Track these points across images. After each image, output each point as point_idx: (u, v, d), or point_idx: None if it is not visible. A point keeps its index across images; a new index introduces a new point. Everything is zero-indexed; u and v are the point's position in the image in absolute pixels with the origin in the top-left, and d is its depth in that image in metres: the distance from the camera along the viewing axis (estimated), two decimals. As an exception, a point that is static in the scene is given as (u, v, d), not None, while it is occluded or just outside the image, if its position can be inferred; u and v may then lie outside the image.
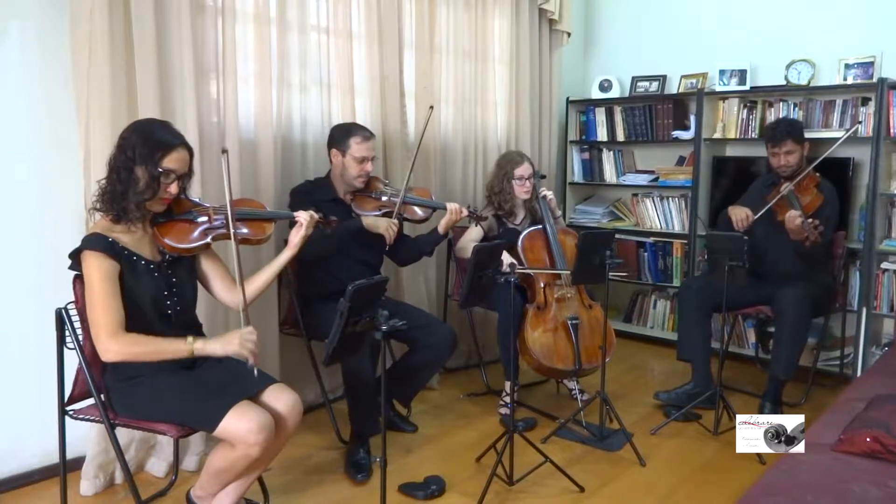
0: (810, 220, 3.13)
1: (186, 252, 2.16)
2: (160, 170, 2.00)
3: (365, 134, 2.94)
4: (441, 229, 3.08)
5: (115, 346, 1.93)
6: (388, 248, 3.08)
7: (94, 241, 1.98)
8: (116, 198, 2.01)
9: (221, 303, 2.33)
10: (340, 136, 2.95)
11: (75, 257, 2.02)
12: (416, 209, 3.05)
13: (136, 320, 2.01)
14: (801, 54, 4.02)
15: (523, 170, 3.43)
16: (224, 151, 2.17)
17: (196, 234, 2.16)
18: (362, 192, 3.01)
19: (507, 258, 3.14)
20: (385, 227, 2.92)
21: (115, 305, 1.96)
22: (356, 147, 2.90)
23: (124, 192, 2.00)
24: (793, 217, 3.15)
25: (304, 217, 2.38)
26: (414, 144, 3.67)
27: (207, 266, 2.26)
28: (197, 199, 2.25)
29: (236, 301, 2.22)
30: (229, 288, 2.27)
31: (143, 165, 1.99)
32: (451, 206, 3.04)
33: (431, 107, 3.24)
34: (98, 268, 1.96)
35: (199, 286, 2.28)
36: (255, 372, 2.08)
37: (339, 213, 2.88)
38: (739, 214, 3.35)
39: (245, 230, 2.27)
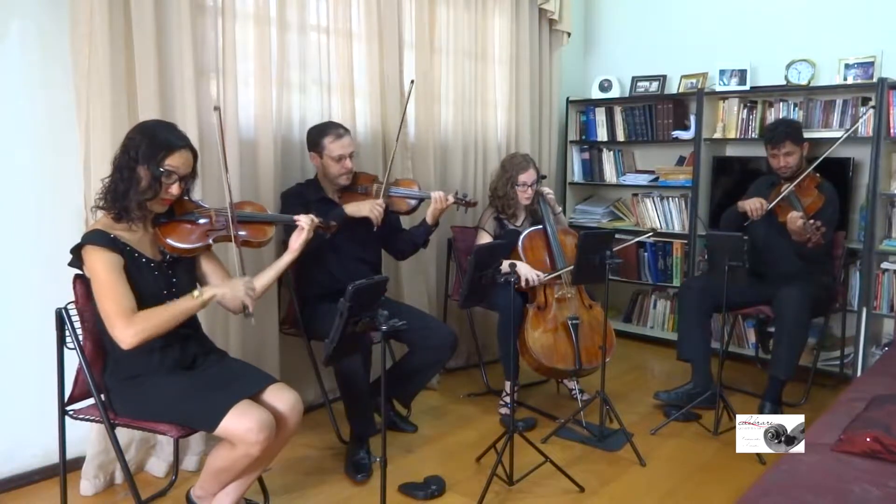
0: (812, 221, 3.12)
1: (187, 253, 2.17)
2: (162, 170, 2.01)
3: (337, 132, 2.91)
4: (429, 219, 3.07)
5: (132, 328, 1.93)
6: (383, 239, 3.07)
7: (95, 237, 1.99)
8: (118, 196, 2.02)
9: (221, 305, 2.32)
10: (314, 137, 2.94)
11: (76, 253, 2.03)
12: (402, 202, 3.05)
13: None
14: (801, 54, 4.02)
15: (527, 176, 3.41)
16: (216, 109, 2.18)
17: (197, 235, 2.18)
18: (349, 189, 3.01)
19: (526, 270, 3.18)
20: (368, 208, 2.88)
21: (124, 292, 1.97)
22: (330, 146, 2.89)
23: (126, 191, 2.01)
24: (795, 218, 3.15)
25: (305, 221, 2.40)
26: (414, 144, 3.68)
27: (207, 268, 2.27)
28: (199, 201, 2.26)
29: (234, 304, 2.22)
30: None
31: (145, 165, 2.00)
32: (436, 194, 3.04)
33: (412, 81, 3.19)
34: (102, 260, 1.97)
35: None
36: (253, 321, 2.15)
37: (328, 213, 2.88)
38: (754, 204, 3.32)
39: (246, 232, 2.28)
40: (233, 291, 2.11)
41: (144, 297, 2.03)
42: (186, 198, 2.19)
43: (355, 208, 2.90)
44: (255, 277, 2.32)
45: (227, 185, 2.19)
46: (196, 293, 2.04)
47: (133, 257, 2.05)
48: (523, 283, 3.19)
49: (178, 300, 2.04)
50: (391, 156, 3.11)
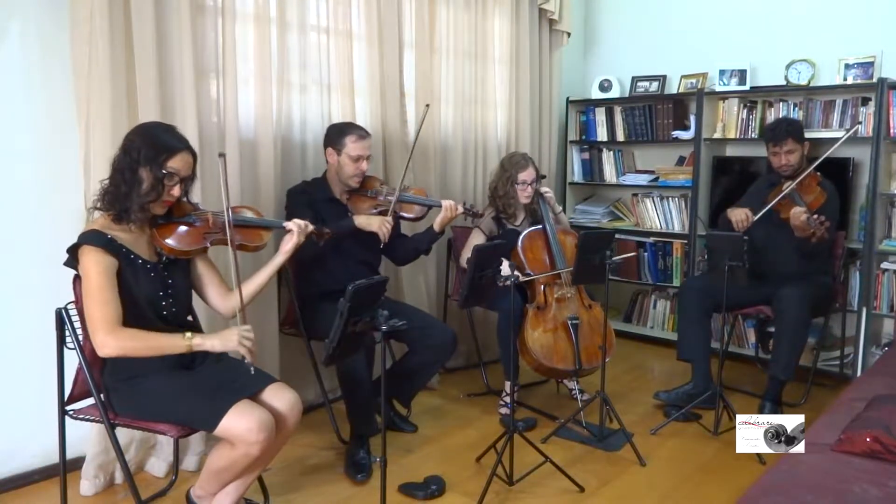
0: (815, 215, 3.12)
1: (184, 255, 2.17)
2: (164, 172, 2.02)
3: (360, 133, 2.93)
4: (437, 227, 3.07)
5: (112, 340, 1.93)
6: (384, 247, 3.07)
7: (92, 237, 1.99)
8: (119, 198, 2.02)
9: (213, 309, 2.32)
10: (336, 134, 2.95)
11: (73, 253, 2.02)
12: (412, 207, 3.05)
13: (134, 316, 2.01)
14: (801, 54, 4.02)
15: (527, 174, 3.42)
16: (221, 156, 2.18)
17: (194, 237, 2.17)
18: (358, 192, 3.01)
19: (505, 267, 3.14)
20: (378, 224, 2.90)
21: (113, 300, 1.96)
22: (351, 146, 2.90)
23: (128, 193, 2.01)
24: (798, 213, 3.15)
25: (293, 227, 2.38)
26: (412, 143, 3.68)
27: (203, 270, 2.26)
28: (197, 204, 2.26)
29: (228, 307, 2.24)
30: (223, 294, 2.27)
31: (147, 167, 2.00)
32: (447, 203, 3.04)
33: (427, 105, 3.24)
34: (96, 263, 1.96)
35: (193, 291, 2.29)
36: (252, 370, 2.10)
37: (335, 213, 2.89)
38: (739, 215, 3.35)
39: (242, 236, 2.28)
40: (224, 344, 2.04)
41: (140, 299, 2.03)
42: (185, 200, 2.19)
43: (365, 221, 2.90)
44: (249, 279, 2.32)
45: (225, 189, 2.18)
46: (188, 335, 2.01)
47: (129, 259, 2.04)
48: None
49: (167, 336, 2.01)
50: (404, 167, 3.11)
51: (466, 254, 3.39)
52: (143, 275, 2.07)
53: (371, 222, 2.91)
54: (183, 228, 2.16)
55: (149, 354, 1.99)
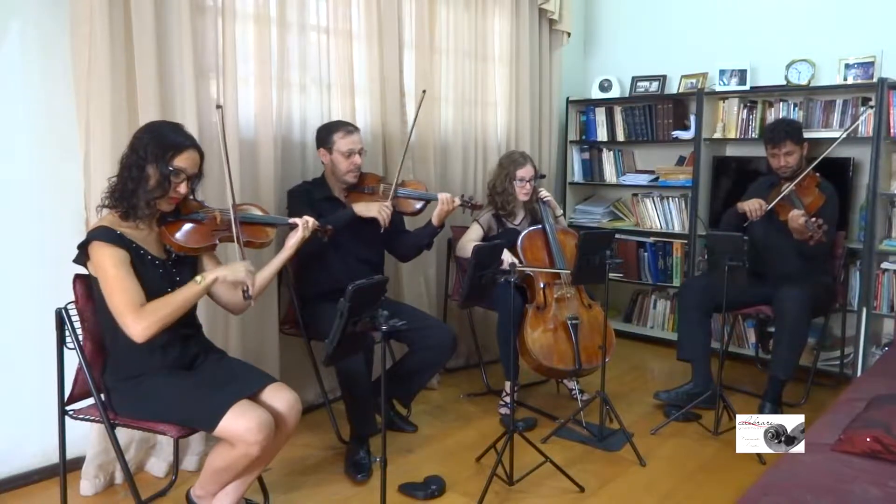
0: (813, 218, 3.12)
1: (193, 252, 2.19)
2: (170, 169, 2.03)
3: (348, 128, 2.95)
4: (435, 221, 3.09)
5: (142, 322, 1.95)
6: (387, 241, 3.08)
7: (102, 233, 2.01)
8: (127, 195, 2.04)
9: (221, 305, 2.33)
10: (324, 134, 2.97)
11: (83, 249, 2.03)
12: (409, 201, 3.07)
13: None
14: (801, 54, 4.02)
15: (525, 171, 3.43)
16: (218, 107, 2.20)
17: (202, 234, 2.20)
18: (356, 189, 3.02)
19: (507, 256, 3.15)
20: (377, 209, 2.92)
21: (132, 285, 1.98)
22: (340, 142, 2.91)
23: (135, 189, 2.03)
24: (796, 216, 3.15)
25: (300, 223, 2.43)
26: (414, 144, 3.67)
27: (210, 267, 2.27)
28: (203, 201, 2.28)
29: (235, 301, 2.23)
30: (229, 288, 2.27)
31: (154, 164, 2.02)
32: (443, 196, 3.05)
33: (424, 91, 3.22)
34: (109, 256, 1.98)
35: None
36: (252, 302, 2.18)
37: (335, 211, 2.90)
38: (753, 205, 3.33)
39: (248, 233, 2.31)
40: (233, 273, 2.12)
41: (149, 295, 2.03)
42: (191, 198, 2.21)
43: (364, 208, 2.92)
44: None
45: (230, 186, 2.21)
46: (198, 278, 2.07)
47: (139, 254, 2.06)
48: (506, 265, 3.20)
49: (182, 288, 2.06)
50: (400, 161, 3.12)
51: (463, 244, 3.40)
52: (151, 271, 2.08)
53: (370, 208, 2.92)
54: (191, 226, 2.19)
55: (177, 315, 2.02)
